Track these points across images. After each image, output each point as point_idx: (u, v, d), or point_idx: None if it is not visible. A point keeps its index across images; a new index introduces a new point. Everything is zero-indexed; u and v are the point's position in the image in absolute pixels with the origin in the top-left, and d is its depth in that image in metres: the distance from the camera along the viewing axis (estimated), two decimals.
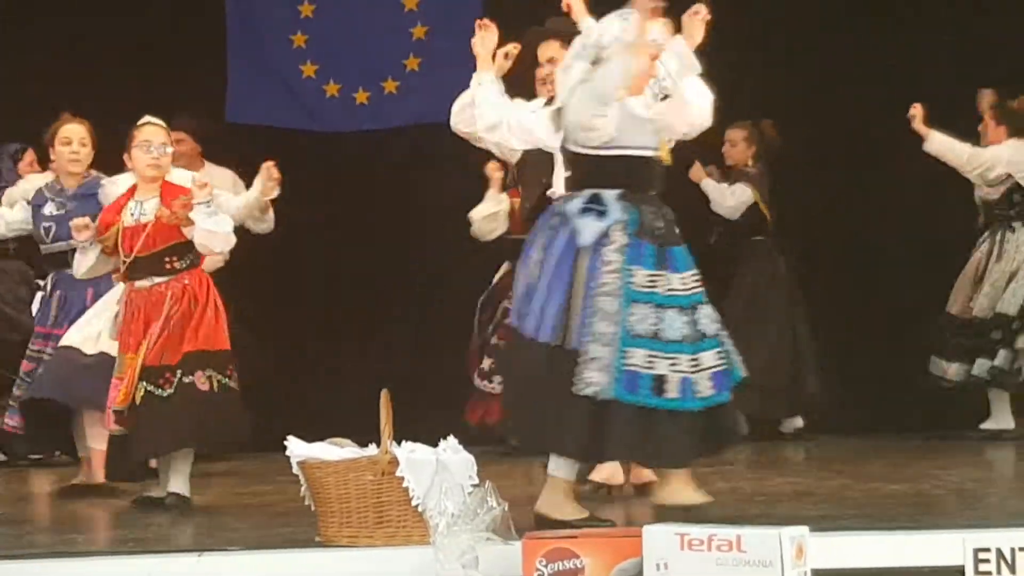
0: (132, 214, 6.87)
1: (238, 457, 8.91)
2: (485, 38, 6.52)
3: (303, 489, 5.68)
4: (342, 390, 9.14)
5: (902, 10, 9.89)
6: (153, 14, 9.96)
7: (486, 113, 6.43)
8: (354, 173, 10.23)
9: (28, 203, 7.92)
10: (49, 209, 7.81)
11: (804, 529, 4.90)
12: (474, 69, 6.73)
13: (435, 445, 5.52)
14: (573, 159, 5.93)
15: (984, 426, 9.38)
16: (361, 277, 10.19)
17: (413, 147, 9.97)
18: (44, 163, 8.76)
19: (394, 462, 5.44)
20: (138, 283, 6.82)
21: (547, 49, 7.15)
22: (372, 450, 5.54)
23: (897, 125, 9.26)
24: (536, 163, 7.16)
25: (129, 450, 6.75)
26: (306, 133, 10.23)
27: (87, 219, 6.93)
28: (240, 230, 8.20)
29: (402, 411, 5.53)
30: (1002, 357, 9.18)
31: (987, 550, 5.12)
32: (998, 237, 9.42)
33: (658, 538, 4.89)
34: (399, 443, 5.50)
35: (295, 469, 5.66)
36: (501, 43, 7.06)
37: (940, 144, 9.22)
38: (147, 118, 6.99)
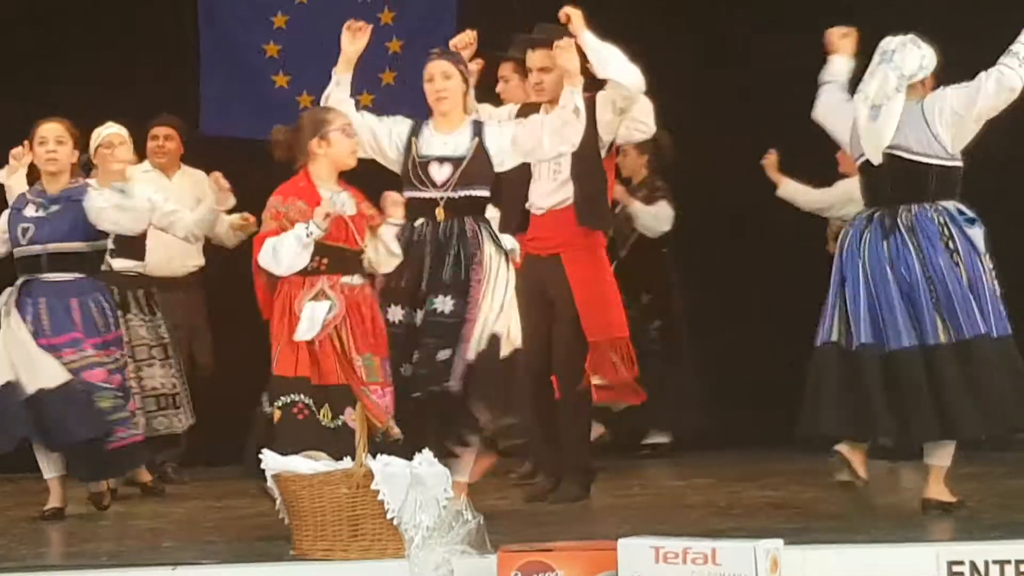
0: (335, 204, 6.35)
1: (212, 470, 8.90)
2: (356, 39, 6.68)
3: (278, 502, 5.67)
4: None
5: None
6: (126, 24, 9.94)
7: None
8: None
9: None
10: (30, 211, 7.37)
11: (779, 542, 4.91)
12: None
13: (410, 459, 5.52)
14: (925, 170, 6.37)
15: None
16: None
17: None
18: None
19: (369, 475, 5.43)
20: (344, 279, 6.34)
21: (540, 57, 7.14)
22: (347, 463, 5.54)
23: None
24: (515, 180, 7.17)
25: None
26: None
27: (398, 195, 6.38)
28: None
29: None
30: None
31: (961, 563, 5.14)
32: None
33: (633, 551, 4.90)
34: (374, 456, 5.50)
35: (270, 482, 5.66)
36: (476, 54, 7.12)
37: (789, 191, 9.49)
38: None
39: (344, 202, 6.36)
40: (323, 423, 6.14)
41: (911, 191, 6.41)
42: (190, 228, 7.58)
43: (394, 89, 10.08)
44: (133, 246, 8.18)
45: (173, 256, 8.73)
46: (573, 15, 6.95)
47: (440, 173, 6.66)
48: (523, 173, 7.15)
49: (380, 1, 10.20)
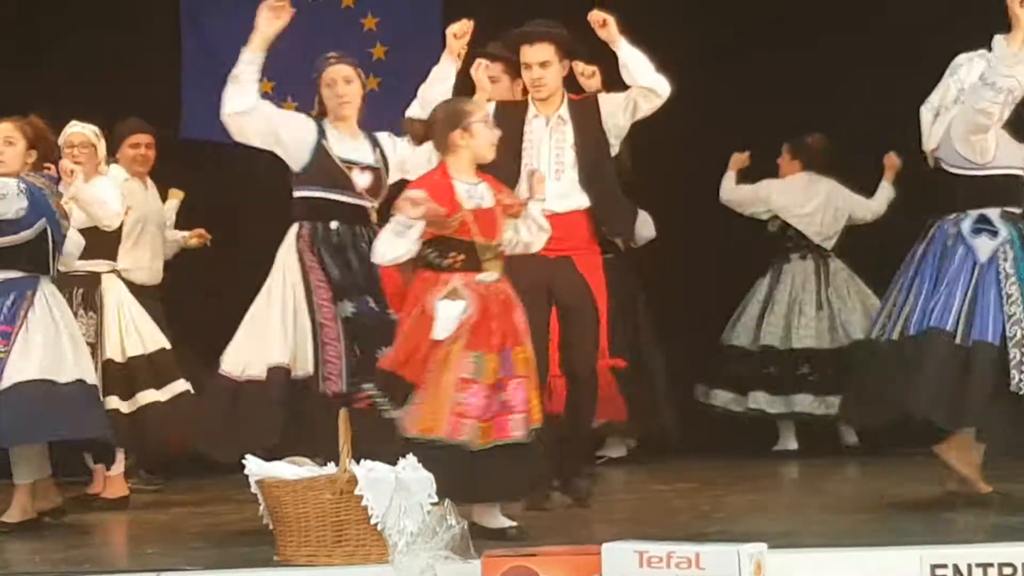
0: (471, 197, 6.17)
1: (196, 476, 8.89)
2: (275, 19, 6.64)
3: (261, 508, 5.66)
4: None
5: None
6: (107, 28, 9.93)
7: (240, 97, 6.64)
8: None
9: None
10: None
11: (762, 546, 4.92)
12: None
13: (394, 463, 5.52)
14: (953, 180, 6.61)
15: (777, 448, 9.68)
16: None
17: None
18: None
19: (353, 480, 5.43)
20: (480, 276, 6.12)
21: (539, 52, 7.00)
22: (331, 469, 5.53)
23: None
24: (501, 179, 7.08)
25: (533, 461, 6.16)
26: (261, 150, 10.21)
27: (423, 192, 6.08)
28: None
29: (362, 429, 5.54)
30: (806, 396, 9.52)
31: (944, 566, 5.15)
32: (778, 269, 9.82)
33: (617, 556, 4.90)
34: (358, 462, 5.50)
35: (253, 488, 5.65)
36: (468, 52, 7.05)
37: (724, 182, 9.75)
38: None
39: (483, 195, 6.22)
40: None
41: (947, 200, 6.68)
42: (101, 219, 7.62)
43: (378, 95, 10.07)
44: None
45: (156, 264, 8.72)
46: (609, 20, 6.89)
47: (363, 179, 6.66)
48: (510, 173, 6.94)
49: (364, 7, 10.20)
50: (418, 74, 6.99)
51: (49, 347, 6.89)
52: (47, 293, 7.02)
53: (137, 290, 8.42)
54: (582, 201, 7.07)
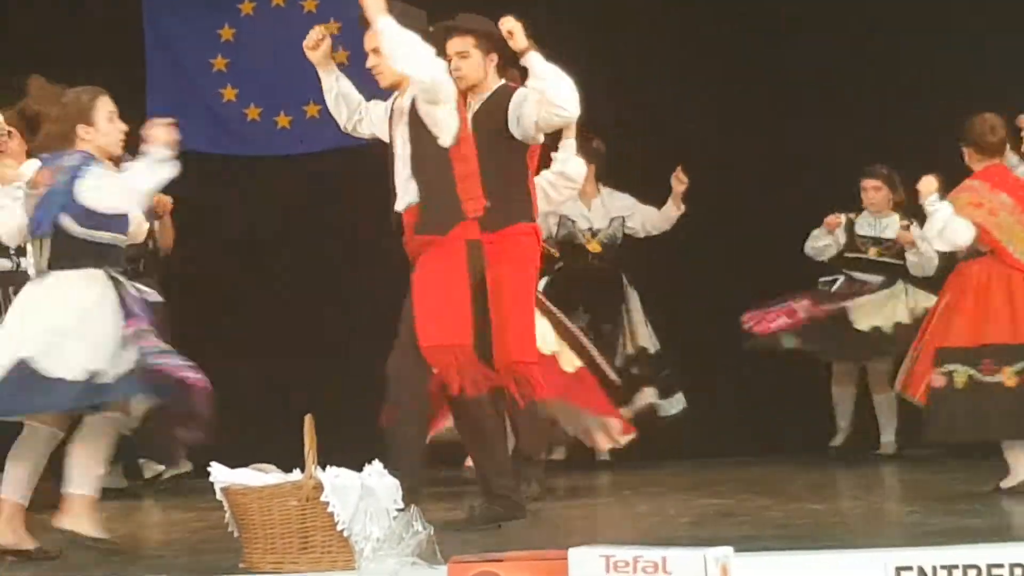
0: None
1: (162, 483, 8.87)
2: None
3: (227, 515, 5.65)
4: (266, 415, 9.11)
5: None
6: (71, 37, 9.90)
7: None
8: (276, 197, 10.21)
9: None
10: None
11: (728, 549, 4.93)
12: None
13: (360, 470, 5.52)
14: None
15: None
16: (283, 301, 10.17)
17: (335, 171, 9.96)
18: None
19: (319, 487, 5.42)
20: None
21: (458, 43, 7.18)
22: (296, 475, 5.52)
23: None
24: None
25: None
26: (227, 157, 10.20)
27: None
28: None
29: (326, 436, 5.53)
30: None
31: (909, 568, 5.16)
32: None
33: (584, 560, 4.90)
34: (323, 468, 5.49)
35: (219, 495, 5.64)
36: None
37: None
38: None
39: None
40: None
41: None
42: None
43: None
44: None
45: None
46: (515, 30, 6.98)
47: None
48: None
49: (326, 12, 10.19)
50: None
51: None
52: None
53: None
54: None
